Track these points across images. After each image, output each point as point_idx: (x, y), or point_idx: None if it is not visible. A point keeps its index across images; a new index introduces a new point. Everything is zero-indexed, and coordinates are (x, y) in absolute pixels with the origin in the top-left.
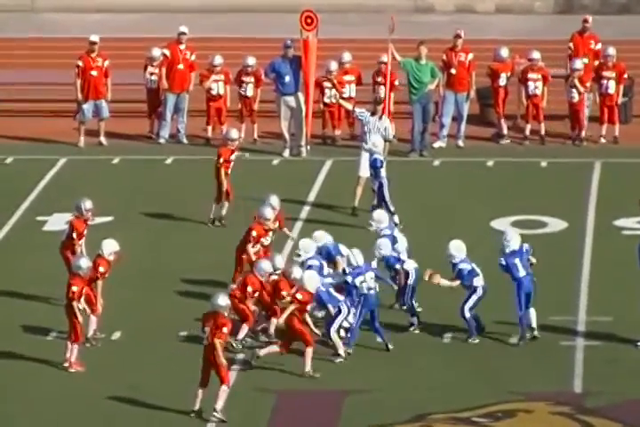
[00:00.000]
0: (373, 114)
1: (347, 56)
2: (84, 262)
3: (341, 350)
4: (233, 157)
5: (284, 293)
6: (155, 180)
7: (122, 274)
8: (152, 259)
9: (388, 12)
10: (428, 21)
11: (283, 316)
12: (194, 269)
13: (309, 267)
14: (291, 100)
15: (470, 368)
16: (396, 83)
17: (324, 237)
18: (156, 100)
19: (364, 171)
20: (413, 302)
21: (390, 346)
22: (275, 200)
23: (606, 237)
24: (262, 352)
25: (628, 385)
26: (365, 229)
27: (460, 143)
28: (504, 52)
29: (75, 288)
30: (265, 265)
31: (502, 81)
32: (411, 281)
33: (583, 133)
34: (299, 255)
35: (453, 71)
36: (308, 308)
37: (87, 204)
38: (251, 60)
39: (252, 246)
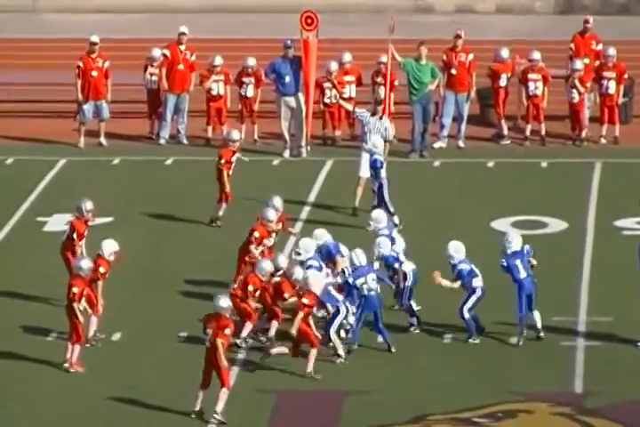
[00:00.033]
0: (374, 114)
1: (347, 56)
2: (86, 263)
3: (341, 351)
4: (234, 158)
5: (286, 295)
6: (155, 180)
7: (122, 275)
8: (152, 259)
9: (389, 12)
10: (428, 21)
11: (294, 325)
12: (194, 270)
13: (309, 267)
14: (291, 100)
15: (471, 368)
16: (396, 83)
17: (324, 236)
18: (157, 100)
19: (365, 171)
20: (411, 302)
21: (393, 349)
22: (278, 201)
23: (607, 238)
24: (274, 351)
25: (629, 385)
26: (366, 230)
27: (461, 144)
28: (504, 53)
29: (75, 289)
30: (266, 265)
31: (503, 81)
32: (408, 283)
33: (583, 134)
34: (299, 254)
35: (454, 71)
36: (314, 309)
37: (88, 205)
38: (251, 61)
39: (256, 248)
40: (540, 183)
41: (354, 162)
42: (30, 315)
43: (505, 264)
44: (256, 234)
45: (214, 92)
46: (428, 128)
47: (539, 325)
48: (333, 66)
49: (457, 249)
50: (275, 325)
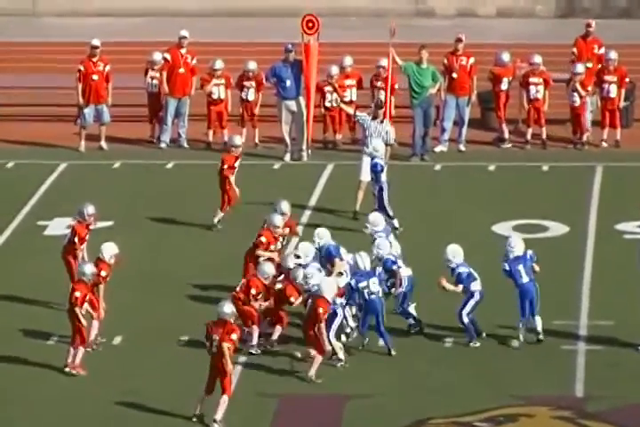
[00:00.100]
0: (374, 118)
1: (348, 60)
2: (89, 269)
3: (341, 355)
4: (237, 163)
5: (292, 299)
6: (155, 184)
7: (122, 278)
8: (152, 263)
9: (389, 15)
10: (429, 25)
11: (323, 343)
12: (194, 274)
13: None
14: (292, 104)
15: (471, 372)
16: (396, 87)
17: (325, 235)
18: (157, 104)
19: (366, 175)
20: (405, 306)
21: (393, 352)
22: (285, 206)
23: (608, 241)
24: (299, 354)
25: (630, 389)
26: (366, 234)
27: (462, 147)
28: (505, 57)
29: (78, 294)
30: (267, 268)
31: (504, 85)
32: (404, 288)
33: (585, 137)
34: (298, 257)
35: (455, 75)
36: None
37: (90, 209)
38: (252, 65)
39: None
40: (541, 187)
41: (355, 166)
42: (31, 319)
43: (507, 269)
44: (262, 239)
45: (215, 96)
46: (429, 132)
47: (539, 328)
48: (334, 70)
49: (454, 253)
50: (279, 329)
